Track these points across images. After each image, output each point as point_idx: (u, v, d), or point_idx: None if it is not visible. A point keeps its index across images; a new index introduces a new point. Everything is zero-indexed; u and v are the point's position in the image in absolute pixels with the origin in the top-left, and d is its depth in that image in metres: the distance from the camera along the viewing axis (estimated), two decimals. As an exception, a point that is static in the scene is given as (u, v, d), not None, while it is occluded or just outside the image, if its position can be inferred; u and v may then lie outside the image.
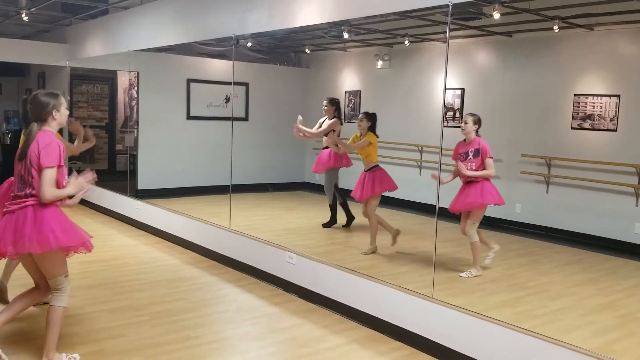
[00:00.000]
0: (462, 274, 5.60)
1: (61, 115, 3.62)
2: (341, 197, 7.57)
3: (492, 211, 8.20)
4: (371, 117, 6.50)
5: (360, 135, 6.53)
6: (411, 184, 9.26)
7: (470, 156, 5.56)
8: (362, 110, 10.12)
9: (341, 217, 7.62)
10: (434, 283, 4.29)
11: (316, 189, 10.64)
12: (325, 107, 7.40)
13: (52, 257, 3.54)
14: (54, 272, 3.60)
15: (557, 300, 5.08)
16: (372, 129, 6.47)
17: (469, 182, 5.59)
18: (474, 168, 5.54)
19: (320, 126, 7.46)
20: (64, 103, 3.66)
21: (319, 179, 10.13)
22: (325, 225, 7.60)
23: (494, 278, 5.66)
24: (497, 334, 3.74)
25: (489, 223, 8.17)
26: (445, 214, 6.65)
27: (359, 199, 6.42)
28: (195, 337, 4.27)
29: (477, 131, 5.63)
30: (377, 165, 6.47)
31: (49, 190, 3.43)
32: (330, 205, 7.55)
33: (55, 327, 3.60)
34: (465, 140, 5.65)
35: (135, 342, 4.13)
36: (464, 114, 5.69)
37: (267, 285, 5.60)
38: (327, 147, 7.40)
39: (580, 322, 4.59)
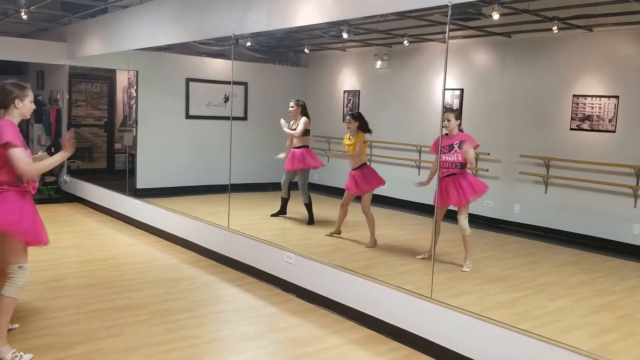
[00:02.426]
0: (463, 269, 5.77)
1: (24, 106, 3.82)
2: (288, 193, 8.04)
3: (490, 211, 8.25)
4: (358, 117, 6.70)
5: (350, 136, 6.69)
6: (410, 184, 9.25)
7: (456, 148, 5.77)
8: (361, 110, 10.18)
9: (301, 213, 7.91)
10: (433, 283, 4.29)
11: (316, 188, 10.63)
12: (292, 109, 7.78)
13: (7, 243, 3.65)
14: (8, 259, 3.70)
15: (556, 301, 5.08)
16: (361, 128, 6.65)
17: (450, 175, 5.77)
18: (460, 159, 5.75)
19: (290, 127, 7.83)
20: (29, 96, 3.85)
21: (318, 178, 10.16)
22: (274, 215, 8.10)
23: (492, 279, 5.66)
24: (495, 335, 3.74)
25: (487, 224, 8.20)
26: (448, 215, 6.66)
27: (356, 193, 6.64)
28: (193, 336, 4.27)
29: (459, 125, 5.92)
30: (365, 163, 6.74)
31: (25, 168, 3.60)
32: (306, 204, 7.80)
33: (2, 316, 3.67)
34: (448, 134, 5.85)
35: (133, 341, 4.13)
36: (444, 112, 5.93)
37: (265, 285, 5.60)
38: (301, 147, 7.71)
39: (578, 323, 4.60)
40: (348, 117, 6.75)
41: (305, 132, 7.69)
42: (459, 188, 5.72)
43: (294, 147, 7.78)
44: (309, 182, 7.84)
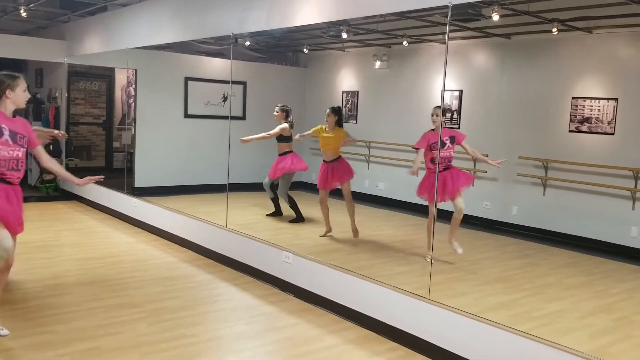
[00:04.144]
0: (457, 249, 5.91)
1: (16, 95, 3.93)
2: (273, 193, 8.11)
3: (488, 213, 8.25)
4: (338, 112, 6.94)
5: (327, 128, 6.86)
6: (408, 185, 9.25)
7: (448, 144, 5.91)
8: (359, 111, 10.20)
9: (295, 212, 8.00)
10: (430, 284, 4.29)
11: (313, 188, 10.62)
12: (276, 113, 7.93)
13: None
14: None
15: (553, 302, 5.08)
16: (339, 123, 6.87)
17: (446, 169, 5.88)
18: (452, 154, 5.92)
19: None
20: (20, 85, 3.96)
21: (315, 179, 10.14)
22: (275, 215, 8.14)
23: (490, 280, 5.66)
24: (493, 336, 3.74)
25: (485, 225, 8.20)
26: (443, 216, 6.69)
27: (324, 187, 6.85)
28: (191, 335, 4.27)
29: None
30: (340, 157, 6.89)
31: None
32: (290, 206, 7.91)
33: None
34: (434, 130, 5.90)
35: (131, 339, 4.12)
36: (434, 108, 6.01)
37: (263, 285, 5.59)
38: (284, 153, 7.86)
39: (576, 324, 4.60)
40: (328, 110, 6.89)
41: (282, 138, 7.82)
42: (455, 179, 5.86)
43: (279, 154, 7.92)
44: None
